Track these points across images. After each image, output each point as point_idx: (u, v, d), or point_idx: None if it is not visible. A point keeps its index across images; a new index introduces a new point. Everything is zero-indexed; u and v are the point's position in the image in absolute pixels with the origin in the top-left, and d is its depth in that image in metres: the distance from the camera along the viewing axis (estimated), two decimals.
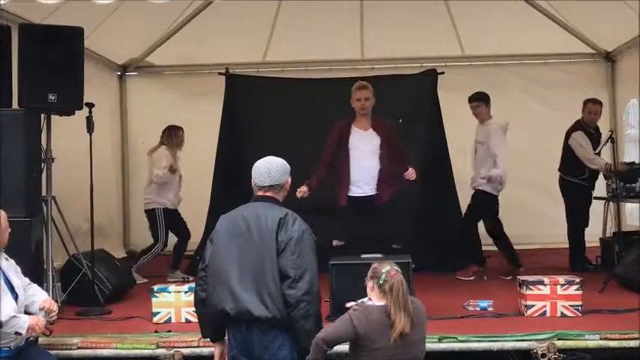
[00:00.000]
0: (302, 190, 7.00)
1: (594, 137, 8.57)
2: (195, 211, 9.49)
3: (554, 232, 9.68)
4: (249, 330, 4.01)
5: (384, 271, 4.12)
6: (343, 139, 7.30)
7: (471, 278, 8.14)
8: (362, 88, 7.33)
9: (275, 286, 3.98)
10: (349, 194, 7.27)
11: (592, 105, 8.58)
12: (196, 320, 4.43)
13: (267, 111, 9.39)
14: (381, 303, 4.09)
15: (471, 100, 8.51)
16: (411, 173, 7.21)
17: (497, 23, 9.88)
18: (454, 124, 9.45)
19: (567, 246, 8.80)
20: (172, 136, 8.58)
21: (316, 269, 4.07)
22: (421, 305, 4.23)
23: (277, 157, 4.39)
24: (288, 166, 4.36)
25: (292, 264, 3.98)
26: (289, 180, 4.36)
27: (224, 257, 4.10)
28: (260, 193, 4.26)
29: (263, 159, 4.34)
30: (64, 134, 7.41)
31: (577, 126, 8.60)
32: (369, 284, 4.18)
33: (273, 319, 3.97)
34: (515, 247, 10.18)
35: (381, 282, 4.09)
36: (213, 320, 4.21)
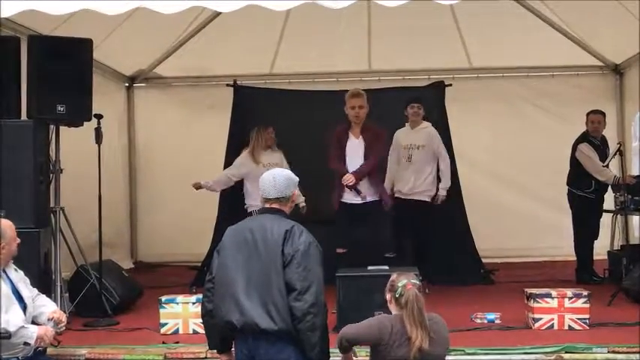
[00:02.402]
0: (348, 179, 7.19)
1: (600, 149, 8.58)
2: (202, 222, 9.54)
3: (561, 244, 9.68)
4: (256, 342, 4.02)
5: (400, 284, 4.11)
6: (342, 145, 7.37)
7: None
8: (356, 96, 7.38)
9: (281, 299, 3.98)
10: (342, 200, 7.33)
11: (593, 115, 8.64)
12: (204, 331, 4.43)
13: (275, 122, 9.40)
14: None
15: (415, 100, 8.38)
16: (347, 178, 7.22)
17: (505, 35, 9.89)
18: (462, 136, 9.47)
19: (574, 258, 8.79)
20: (258, 137, 8.35)
21: (322, 281, 4.08)
22: (440, 320, 4.20)
23: (283, 169, 4.45)
24: (294, 178, 4.35)
25: (298, 276, 3.98)
26: (296, 192, 4.36)
27: (230, 269, 4.11)
28: (267, 205, 4.27)
29: (270, 171, 4.36)
30: (72, 145, 7.45)
31: (583, 137, 8.63)
32: (388, 296, 4.18)
33: (280, 331, 3.97)
34: (522, 259, 10.27)
35: (397, 295, 4.09)
36: (219, 332, 4.21)
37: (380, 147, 7.51)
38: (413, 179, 8.24)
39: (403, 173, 8.32)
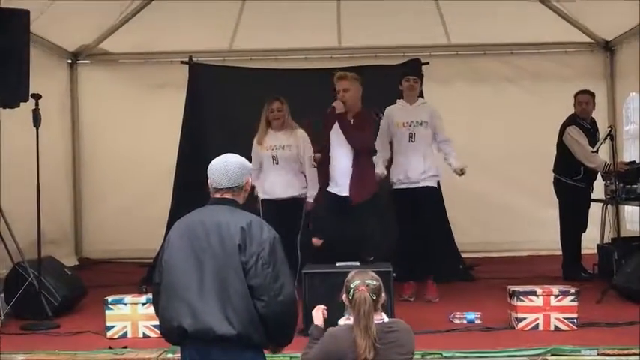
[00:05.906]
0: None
1: (590, 132, 8.60)
2: (154, 214, 9.47)
3: (546, 237, 9.73)
4: (207, 349, 3.89)
5: (352, 285, 4.03)
6: (327, 130, 7.37)
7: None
8: (340, 79, 7.38)
9: (240, 301, 3.86)
10: (327, 190, 7.34)
11: (581, 95, 8.68)
12: (155, 335, 4.34)
13: (235, 104, 9.37)
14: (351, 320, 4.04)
15: (411, 72, 8.03)
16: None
17: (487, 9, 9.90)
18: None
19: (560, 252, 8.84)
20: (262, 114, 7.62)
21: (290, 273, 4.04)
22: (403, 326, 4.09)
23: (236, 155, 4.20)
24: (248, 164, 4.19)
25: (270, 278, 3.85)
26: (249, 180, 4.19)
27: (180, 268, 3.96)
28: (217, 196, 4.11)
29: (219, 157, 4.15)
30: (7, 129, 7.33)
31: (571, 120, 8.64)
32: (344, 297, 4.12)
33: (238, 336, 3.87)
34: (504, 254, 10.33)
35: (350, 297, 4.02)
36: (168, 337, 4.10)
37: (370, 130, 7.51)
38: (422, 162, 7.63)
39: (407, 156, 7.65)
